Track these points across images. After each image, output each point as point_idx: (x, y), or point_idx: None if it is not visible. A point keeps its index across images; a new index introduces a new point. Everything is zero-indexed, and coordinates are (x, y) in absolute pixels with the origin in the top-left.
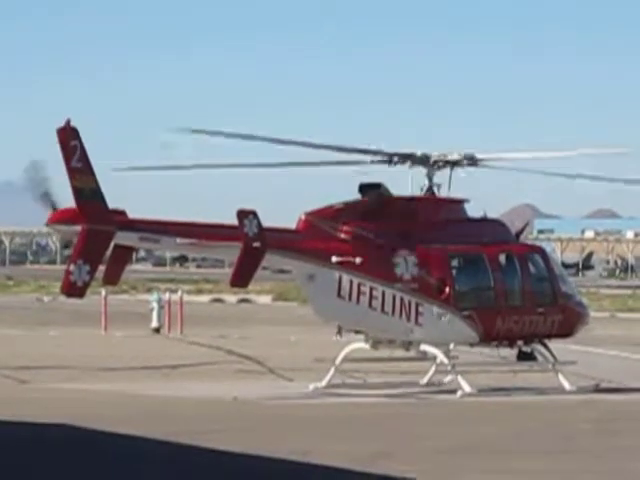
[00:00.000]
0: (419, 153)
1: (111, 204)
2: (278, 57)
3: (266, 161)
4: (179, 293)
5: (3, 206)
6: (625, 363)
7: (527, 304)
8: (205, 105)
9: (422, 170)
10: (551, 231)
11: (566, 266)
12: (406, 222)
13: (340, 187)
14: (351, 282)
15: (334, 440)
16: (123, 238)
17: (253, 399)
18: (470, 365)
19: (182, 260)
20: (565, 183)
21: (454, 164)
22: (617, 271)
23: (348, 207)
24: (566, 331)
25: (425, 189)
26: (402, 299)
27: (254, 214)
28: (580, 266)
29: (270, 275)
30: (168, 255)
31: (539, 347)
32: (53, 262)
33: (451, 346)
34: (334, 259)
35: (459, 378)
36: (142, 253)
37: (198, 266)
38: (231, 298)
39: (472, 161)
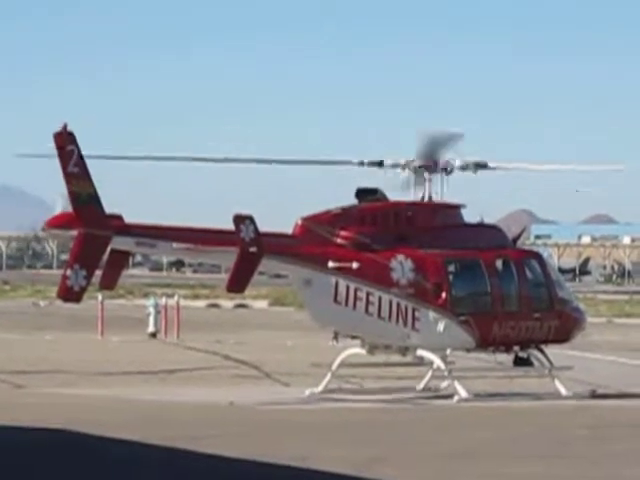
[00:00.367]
0: (412, 160)
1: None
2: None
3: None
4: (176, 298)
5: (0, 210)
6: (622, 369)
7: (524, 309)
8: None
9: (418, 175)
10: (548, 236)
11: (563, 271)
12: (403, 227)
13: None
14: (348, 287)
15: (331, 445)
16: (120, 243)
17: (249, 404)
18: (467, 370)
19: (179, 265)
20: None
21: (449, 170)
22: (614, 276)
23: (345, 212)
24: (563, 337)
25: (422, 194)
26: (399, 304)
27: (251, 219)
28: (577, 271)
29: (267, 280)
30: (165, 260)
31: (535, 352)
32: (50, 267)
33: (448, 351)
34: (331, 264)
35: (455, 383)
36: (139, 258)
37: (194, 271)
38: (227, 303)
39: (471, 167)
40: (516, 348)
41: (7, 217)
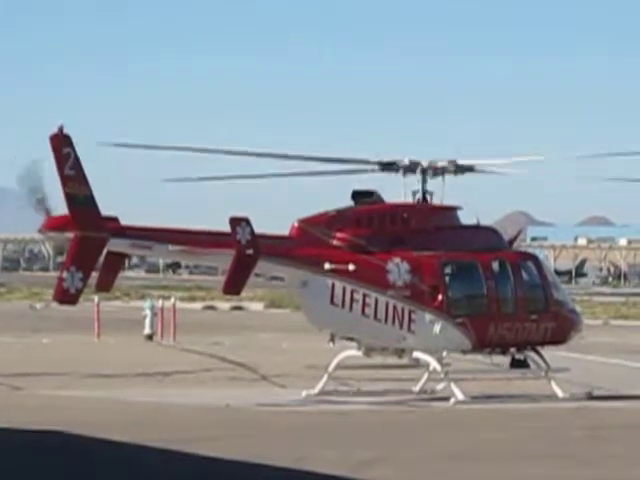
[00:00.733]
0: (407, 161)
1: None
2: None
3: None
4: (172, 300)
5: None
6: (618, 370)
7: (520, 311)
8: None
9: (414, 177)
10: (544, 238)
11: (559, 273)
12: (399, 229)
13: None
14: (344, 289)
15: (327, 447)
16: (116, 245)
17: (246, 406)
18: (463, 372)
19: (175, 267)
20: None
21: (445, 171)
22: (610, 278)
23: (341, 214)
24: (559, 338)
25: (418, 196)
26: (395, 306)
27: (247, 221)
28: (573, 273)
29: (263, 282)
30: (161, 262)
31: (532, 354)
32: (46, 269)
33: (444, 353)
34: (327, 266)
35: (452, 385)
36: (135, 260)
37: (191, 273)
38: (224, 305)
39: (463, 168)
40: (512, 350)
41: (3, 219)
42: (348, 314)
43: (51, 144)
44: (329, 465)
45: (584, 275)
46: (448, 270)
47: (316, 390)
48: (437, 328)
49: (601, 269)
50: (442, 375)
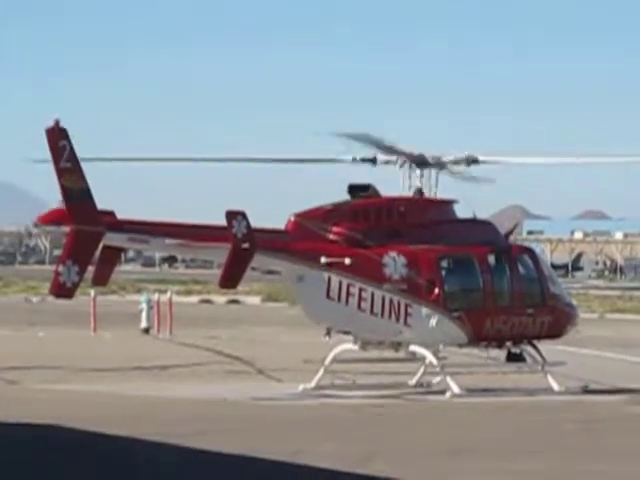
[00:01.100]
0: (408, 153)
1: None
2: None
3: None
4: (168, 294)
5: None
6: (614, 364)
7: (516, 305)
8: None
9: (411, 171)
10: (540, 232)
11: (555, 267)
12: (395, 223)
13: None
14: (340, 283)
15: (323, 441)
16: (112, 239)
17: (242, 400)
18: (459, 366)
19: (171, 261)
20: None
21: (443, 165)
22: (606, 272)
23: (337, 208)
24: (555, 332)
25: (414, 190)
26: (391, 300)
27: (243, 215)
28: (569, 267)
29: (259, 276)
30: (157, 256)
31: (528, 348)
32: (42, 262)
33: (440, 347)
34: (323, 260)
35: (448, 379)
36: (131, 254)
37: (187, 267)
38: (220, 299)
39: (462, 162)
40: (509, 344)
41: None
42: (344, 308)
43: (47, 137)
44: (325, 459)
45: (580, 269)
46: (444, 264)
47: (312, 384)
48: (433, 322)
49: (597, 263)
50: (438, 369)
